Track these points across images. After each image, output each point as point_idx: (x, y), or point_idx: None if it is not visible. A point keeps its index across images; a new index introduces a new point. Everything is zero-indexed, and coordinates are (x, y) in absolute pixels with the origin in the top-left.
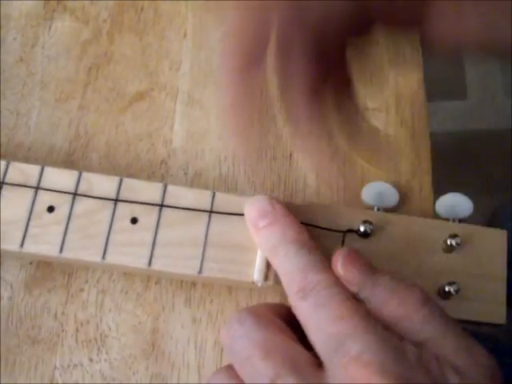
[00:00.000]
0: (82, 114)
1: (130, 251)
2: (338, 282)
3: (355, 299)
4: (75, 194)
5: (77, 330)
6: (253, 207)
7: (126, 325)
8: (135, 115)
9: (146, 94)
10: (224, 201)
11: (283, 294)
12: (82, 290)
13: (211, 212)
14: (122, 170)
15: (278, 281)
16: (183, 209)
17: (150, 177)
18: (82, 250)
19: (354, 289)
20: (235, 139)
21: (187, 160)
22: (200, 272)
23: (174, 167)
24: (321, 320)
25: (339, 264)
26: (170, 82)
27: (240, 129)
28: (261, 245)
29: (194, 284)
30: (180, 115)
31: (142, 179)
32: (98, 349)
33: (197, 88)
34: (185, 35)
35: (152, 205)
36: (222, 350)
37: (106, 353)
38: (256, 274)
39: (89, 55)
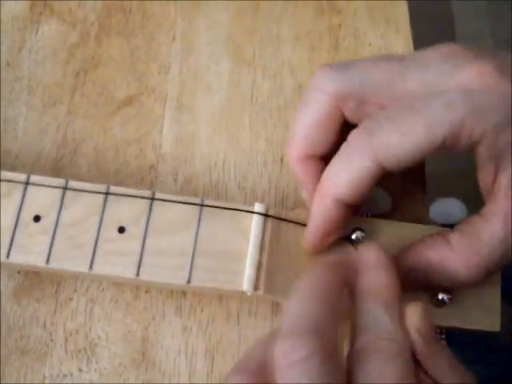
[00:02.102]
0: (69, 120)
1: (117, 261)
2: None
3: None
4: (61, 203)
5: (66, 339)
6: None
7: (115, 334)
8: (124, 120)
9: (135, 98)
10: (214, 207)
11: (274, 303)
12: (70, 299)
13: (200, 220)
14: (111, 176)
15: (268, 290)
16: (171, 217)
17: (138, 183)
18: (69, 261)
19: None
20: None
21: (176, 166)
22: (189, 281)
23: (164, 173)
24: None
25: (416, 319)
26: (159, 87)
27: None
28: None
29: (184, 293)
30: (169, 120)
31: (130, 185)
32: (88, 358)
33: (186, 92)
34: (174, 38)
35: (139, 213)
36: (212, 358)
37: (96, 362)
38: (246, 283)
39: (76, 59)
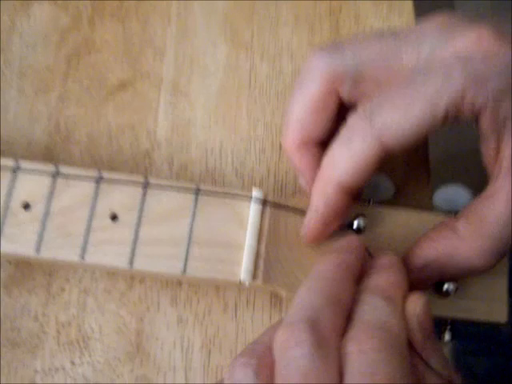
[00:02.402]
0: (62, 106)
1: (110, 250)
2: None
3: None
4: (52, 190)
5: (58, 331)
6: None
7: (109, 326)
8: (117, 106)
9: (129, 83)
10: (210, 195)
11: (274, 294)
12: (63, 289)
13: (196, 207)
14: (104, 164)
15: (266, 280)
16: (166, 204)
17: (133, 170)
18: (59, 250)
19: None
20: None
21: (172, 153)
22: (184, 271)
23: (159, 160)
24: None
25: (418, 309)
26: (154, 71)
27: None
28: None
29: (179, 283)
30: (164, 106)
31: (124, 173)
32: (81, 351)
33: (182, 77)
34: (169, 21)
35: (133, 201)
36: (209, 351)
37: (89, 355)
38: (243, 273)
39: (69, 43)
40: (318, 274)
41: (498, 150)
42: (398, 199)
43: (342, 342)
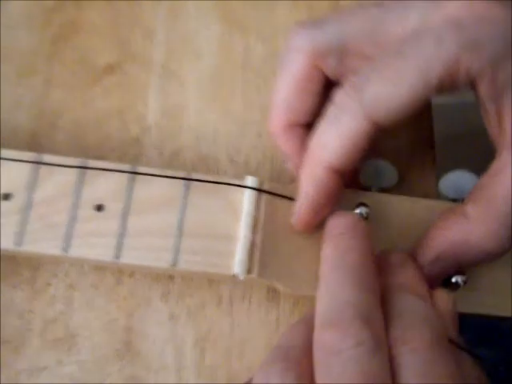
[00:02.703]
0: (47, 90)
1: (95, 242)
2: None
3: None
4: (34, 179)
5: (44, 329)
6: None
7: (97, 323)
8: (105, 90)
9: (117, 66)
10: (202, 183)
11: (271, 287)
12: (49, 284)
13: (186, 196)
14: (92, 151)
15: (262, 274)
16: (154, 193)
17: (121, 158)
18: (42, 243)
19: None
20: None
21: (163, 139)
22: (174, 265)
23: (149, 147)
24: None
25: (450, 306)
26: (144, 53)
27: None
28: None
29: (171, 277)
30: (155, 89)
31: (112, 160)
32: (68, 349)
33: (173, 58)
34: (159, 0)
35: (119, 190)
36: (203, 349)
37: (76, 354)
38: (237, 267)
39: (54, 24)
40: (343, 263)
41: (500, 121)
42: (401, 187)
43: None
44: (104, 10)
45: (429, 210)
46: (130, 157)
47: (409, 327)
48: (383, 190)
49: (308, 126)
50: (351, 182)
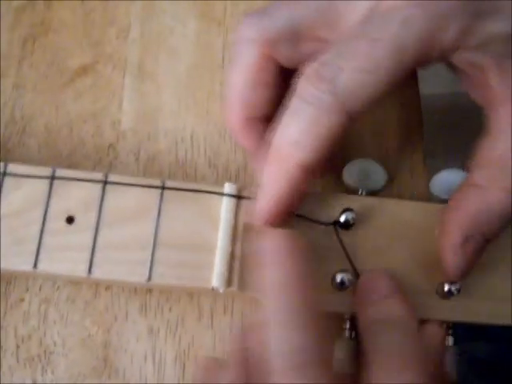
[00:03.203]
0: (17, 94)
1: (65, 257)
2: None
3: None
4: (0, 191)
5: (17, 346)
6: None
7: (73, 339)
8: (78, 93)
9: (90, 67)
10: (178, 191)
11: (254, 299)
12: (22, 299)
13: (161, 206)
14: (64, 158)
15: (242, 286)
16: (128, 203)
17: (96, 165)
18: (10, 258)
19: None
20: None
21: (138, 143)
22: (149, 279)
23: (124, 152)
24: None
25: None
26: (118, 53)
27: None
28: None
29: (149, 290)
30: (129, 91)
31: (87, 167)
32: (43, 368)
33: (148, 58)
34: None
35: (91, 200)
36: (183, 364)
37: (52, 372)
38: (216, 280)
39: (23, 25)
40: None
41: (485, 81)
42: (390, 189)
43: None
44: (75, 8)
45: (420, 214)
46: (105, 164)
47: (393, 370)
48: (372, 192)
49: (267, 118)
50: (324, 170)
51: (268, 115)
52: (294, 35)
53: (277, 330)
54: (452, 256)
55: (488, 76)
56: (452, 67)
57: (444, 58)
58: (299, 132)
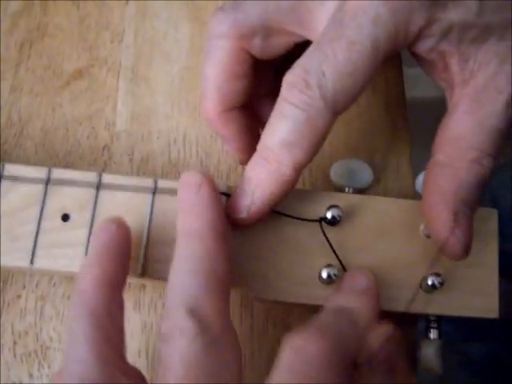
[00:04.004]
0: (14, 97)
1: (61, 254)
2: None
3: None
4: None
5: (14, 342)
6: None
7: None
8: (74, 96)
9: (86, 70)
10: (170, 189)
11: (244, 295)
12: (19, 296)
13: (154, 204)
14: (60, 159)
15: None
16: (121, 201)
17: (91, 165)
18: (7, 255)
19: None
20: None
21: (132, 144)
22: (143, 274)
23: (118, 153)
24: None
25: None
26: (112, 57)
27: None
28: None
29: (143, 286)
30: (123, 94)
31: (82, 168)
32: (39, 363)
33: (142, 62)
34: (127, 1)
35: (85, 199)
36: None
37: (48, 367)
38: None
39: (20, 29)
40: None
41: (446, 65)
42: (377, 187)
43: None
44: (71, 13)
45: (405, 211)
46: (99, 164)
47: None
48: (358, 191)
49: (242, 107)
50: None
51: (243, 105)
52: (267, 30)
53: (175, 274)
54: (451, 236)
55: (449, 61)
56: (414, 55)
57: (410, 46)
58: (292, 134)
